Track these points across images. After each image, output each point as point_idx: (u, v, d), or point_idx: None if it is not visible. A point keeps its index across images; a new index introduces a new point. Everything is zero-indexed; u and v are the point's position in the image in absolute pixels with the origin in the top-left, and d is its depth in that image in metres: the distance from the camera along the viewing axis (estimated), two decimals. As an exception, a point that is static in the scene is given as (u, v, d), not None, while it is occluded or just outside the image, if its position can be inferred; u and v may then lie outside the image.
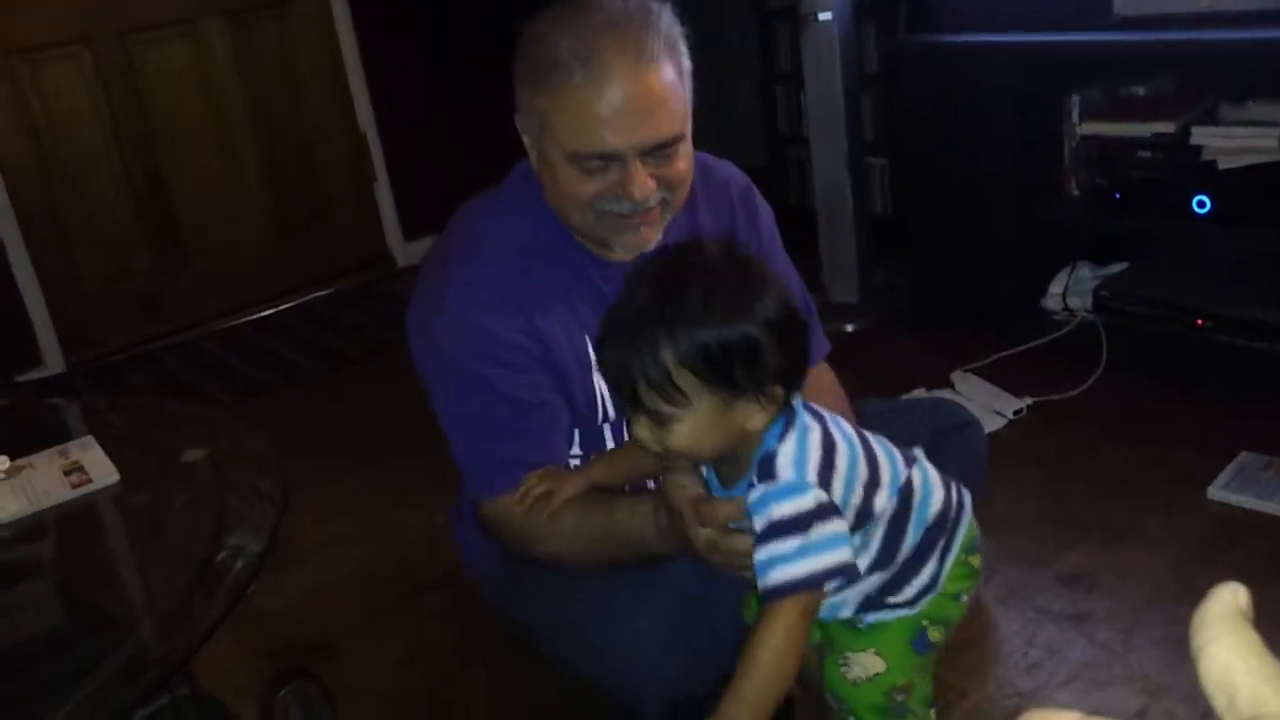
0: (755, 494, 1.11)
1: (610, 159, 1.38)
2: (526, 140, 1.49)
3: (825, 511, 1.10)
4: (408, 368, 1.63)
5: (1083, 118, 2.74)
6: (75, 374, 3.42)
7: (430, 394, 1.57)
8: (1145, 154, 2.59)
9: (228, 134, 3.71)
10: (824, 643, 1.33)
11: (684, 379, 1.07)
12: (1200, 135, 2.50)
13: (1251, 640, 0.36)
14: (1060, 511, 2.12)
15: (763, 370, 1.09)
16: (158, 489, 1.56)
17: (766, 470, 1.12)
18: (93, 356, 3.48)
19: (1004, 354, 2.70)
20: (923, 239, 3.01)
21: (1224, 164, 2.42)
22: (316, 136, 3.90)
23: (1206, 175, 2.46)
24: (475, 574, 1.77)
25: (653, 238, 1.47)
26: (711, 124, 3.91)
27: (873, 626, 1.27)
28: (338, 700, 1.79)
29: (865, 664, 1.27)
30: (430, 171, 3.91)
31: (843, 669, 1.28)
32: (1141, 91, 2.79)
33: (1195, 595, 1.39)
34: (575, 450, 1.62)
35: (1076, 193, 2.79)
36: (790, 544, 1.08)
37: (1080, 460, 2.29)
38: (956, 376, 2.62)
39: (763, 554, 1.09)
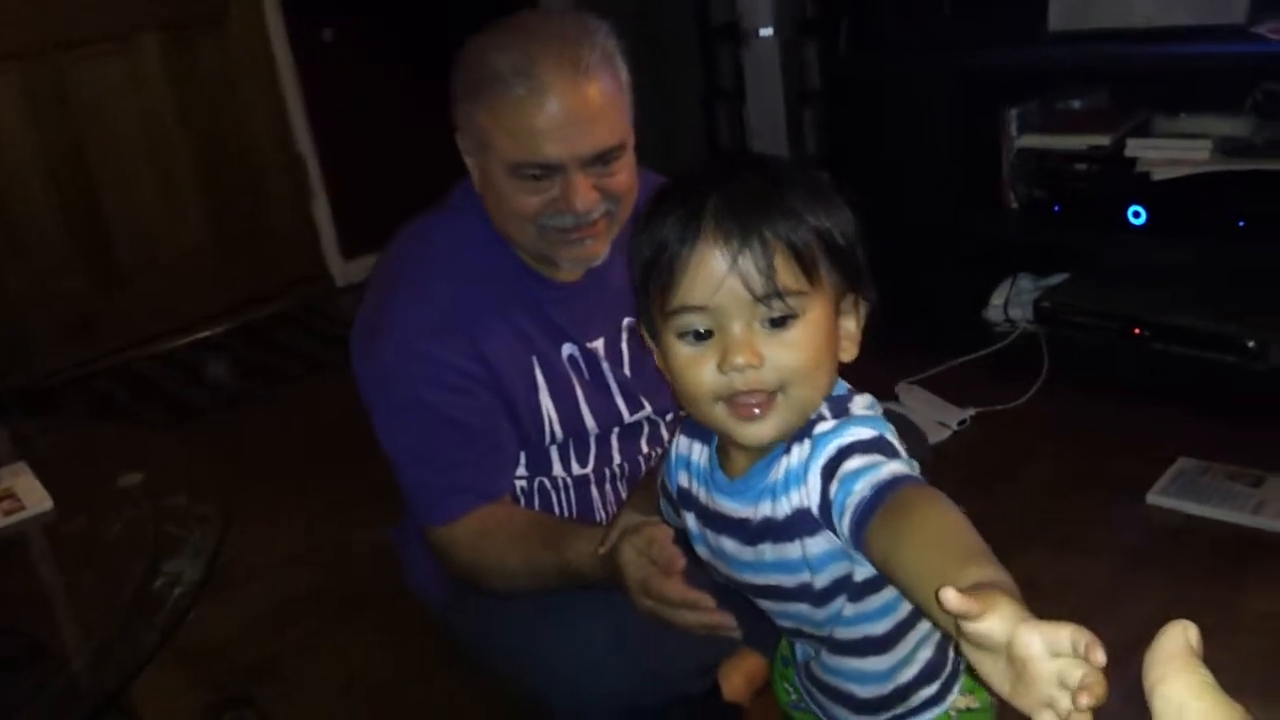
0: (827, 425, 0.93)
1: (551, 170, 1.38)
2: (468, 160, 1.49)
3: (906, 458, 0.91)
4: (347, 387, 1.60)
5: (1020, 131, 2.78)
6: (6, 397, 3.33)
7: (374, 420, 1.55)
8: (1081, 166, 2.63)
9: (163, 153, 3.64)
10: None
11: (819, 249, 0.92)
12: (1134, 147, 2.55)
13: (1204, 678, 0.37)
14: (1003, 520, 2.13)
15: (863, 268, 0.97)
16: (92, 515, 1.52)
17: (836, 406, 0.96)
18: (24, 379, 3.39)
19: (947, 365, 2.73)
20: (865, 253, 3.03)
21: (1157, 175, 2.47)
22: (253, 155, 3.85)
23: (1141, 186, 2.50)
24: (420, 593, 1.75)
25: (599, 251, 1.47)
26: (654, 141, 3.93)
27: None
28: (281, 726, 1.76)
29: None
30: (368, 190, 3.88)
31: None
32: (1077, 105, 2.84)
33: (1135, 599, 1.43)
34: (522, 471, 1.60)
35: (1016, 205, 2.83)
36: (878, 457, 0.89)
37: (1022, 469, 2.32)
38: (901, 389, 2.64)
39: (852, 465, 0.88)
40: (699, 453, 1.06)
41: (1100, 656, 0.57)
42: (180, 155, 3.68)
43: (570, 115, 1.34)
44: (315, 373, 3.33)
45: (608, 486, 1.65)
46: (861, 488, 0.85)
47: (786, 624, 1.06)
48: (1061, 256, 2.89)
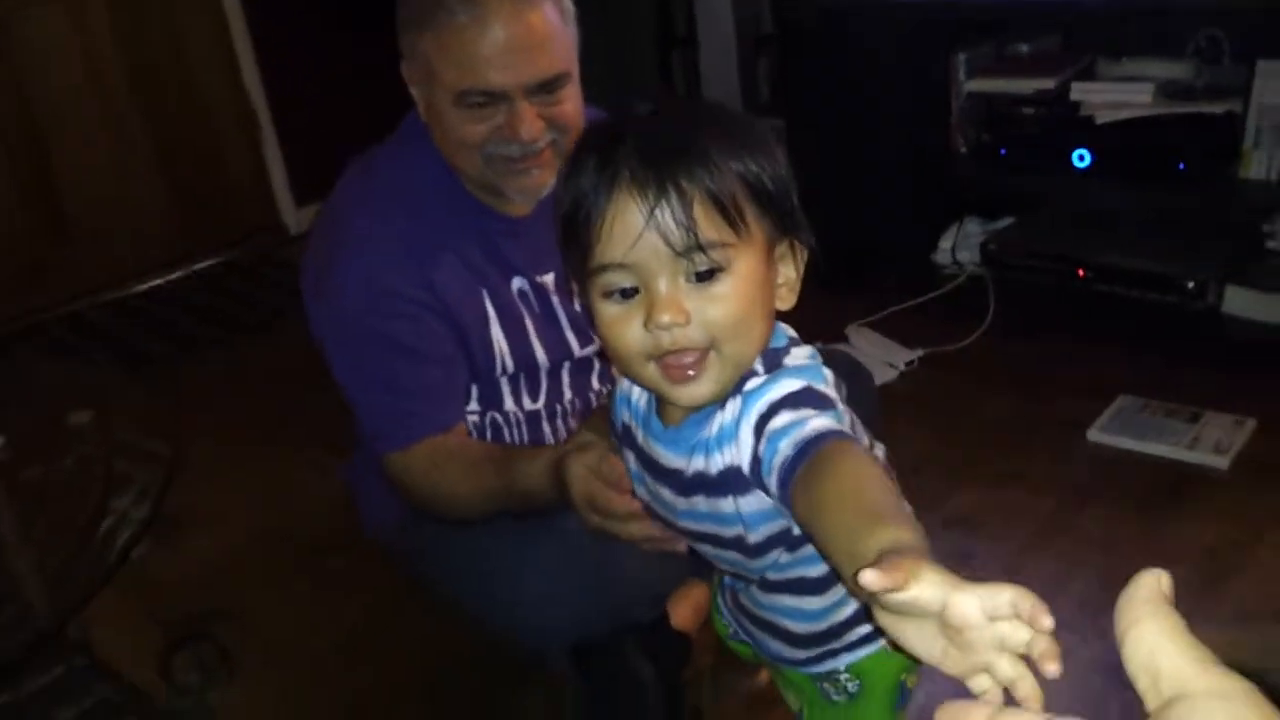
0: (757, 380, 0.90)
1: (496, 98, 1.39)
2: (414, 91, 1.49)
3: (837, 409, 0.89)
4: (302, 334, 1.61)
5: (969, 76, 2.80)
6: (-45, 347, 3.30)
7: (328, 354, 1.56)
8: (1028, 110, 2.66)
9: (110, 101, 3.58)
10: (799, 715, 1.16)
11: (744, 197, 0.86)
12: (1079, 91, 2.58)
13: (1175, 623, 0.38)
14: (948, 458, 2.18)
15: (797, 212, 0.92)
16: (43, 452, 1.53)
17: (771, 359, 0.93)
18: (-26, 330, 3.36)
19: (896, 309, 2.76)
20: (816, 198, 3.05)
21: (1101, 118, 2.50)
22: (203, 102, 3.79)
23: (1086, 130, 2.54)
24: (376, 530, 1.77)
25: (546, 181, 1.47)
26: (608, 89, 3.91)
27: (855, 697, 1.07)
28: (241, 664, 1.78)
29: None
30: (320, 136, 3.82)
31: None
32: (1025, 49, 2.87)
33: (1075, 531, 1.48)
34: (474, 406, 1.62)
35: (964, 150, 2.86)
36: (806, 411, 0.86)
37: (967, 408, 2.36)
38: (851, 331, 2.67)
39: (779, 422, 0.86)
40: (639, 394, 1.04)
41: (1048, 622, 0.53)
42: (128, 104, 3.62)
43: (514, 42, 1.35)
44: (269, 320, 3.32)
45: (559, 422, 1.67)
46: (785, 446, 0.83)
47: (724, 566, 1.07)
48: (1008, 200, 2.93)
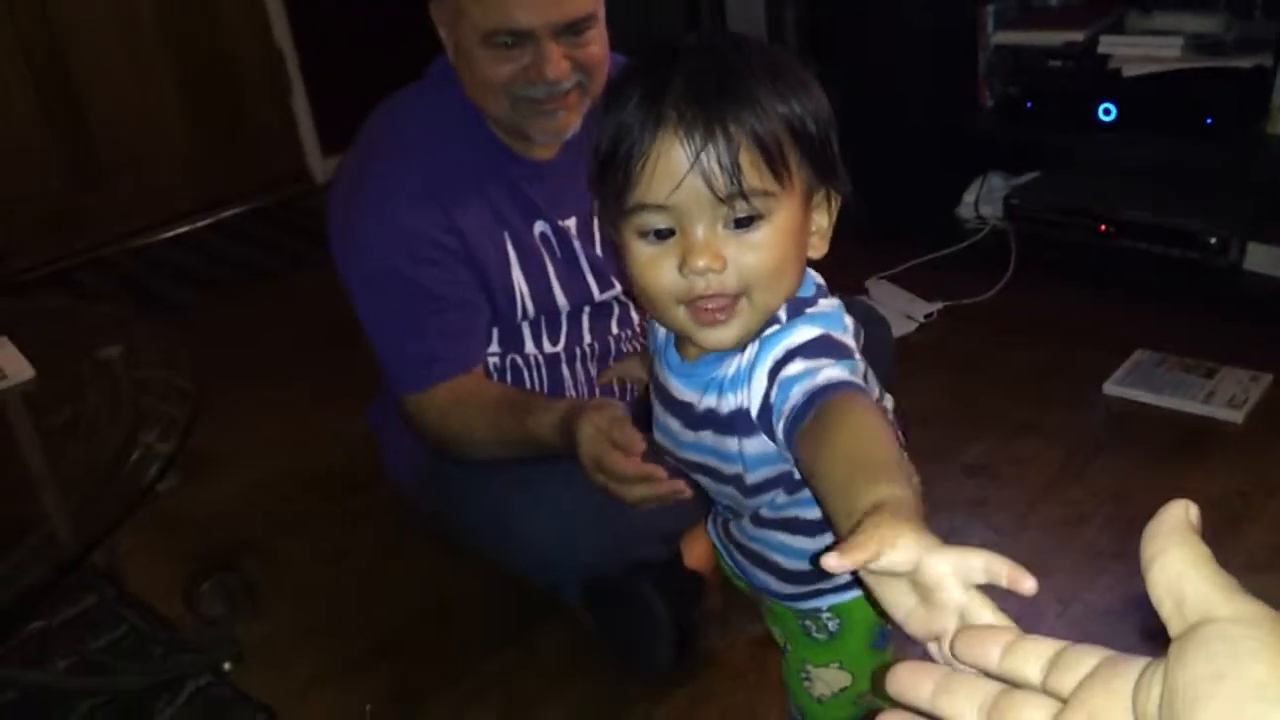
0: (775, 327, 0.90)
1: (522, 38, 1.40)
2: (442, 32, 1.51)
3: (853, 359, 0.89)
4: (329, 281, 1.64)
5: (996, 28, 2.78)
6: (-14, 291, 3.35)
7: (352, 295, 1.59)
8: (1055, 63, 2.65)
9: (141, 50, 3.60)
10: (785, 649, 1.17)
11: (789, 144, 0.85)
12: (1107, 44, 2.56)
13: (1201, 551, 0.38)
14: (965, 409, 2.20)
15: (837, 160, 0.91)
16: (73, 385, 1.56)
17: (794, 305, 0.92)
18: (2, 274, 3.41)
19: (918, 261, 2.76)
20: (840, 151, 3.05)
21: (1128, 71, 2.48)
22: (231, 50, 3.81)
23: (1113, 83, 2.52)
24: (397, 473, 1.81)
25: (571, 123, 1.49)
26: (634, 32, 3.90)
27: (835, 635, 1.09)
28: (265, 597, 1.82)
29: (830, 680, 1.12)
30: (348, 84, 3.82)
31: (806, 684, 1.13)
32: (1053, 2, 2.84)
33: (1086, 481, 1.49)
34: (494, 349, 1.65)
35: (991, 103, 2.84)
36: (822, 360, 0.86)
37: (986, 361, 2.37)
38: (871, 283, 2.68)
39: (792, 370, 0.86)
40: (661, 328, 1.03)
41: (1030, 584, 0.53)
42: (158, 52, 3.64)
43: None
44: (296, 268, 3.35)
45: (578, 365, 1.70)
46: (796, 393, 0.83)
47: (723, 500, 1.09)
48: (1034, 154, 2.91)
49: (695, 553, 1.71)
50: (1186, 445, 2.02)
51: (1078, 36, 2.61)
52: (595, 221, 1.64)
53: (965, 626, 0.49)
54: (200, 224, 3.75)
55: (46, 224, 3.49)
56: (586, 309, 1.67)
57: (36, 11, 3.38)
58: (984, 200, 2.86)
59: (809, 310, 0.92)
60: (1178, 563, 0.38)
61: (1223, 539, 1.78)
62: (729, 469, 0.99)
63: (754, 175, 0.83)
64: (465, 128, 1.55)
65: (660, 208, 0.84)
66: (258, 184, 3.89)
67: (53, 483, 1.52)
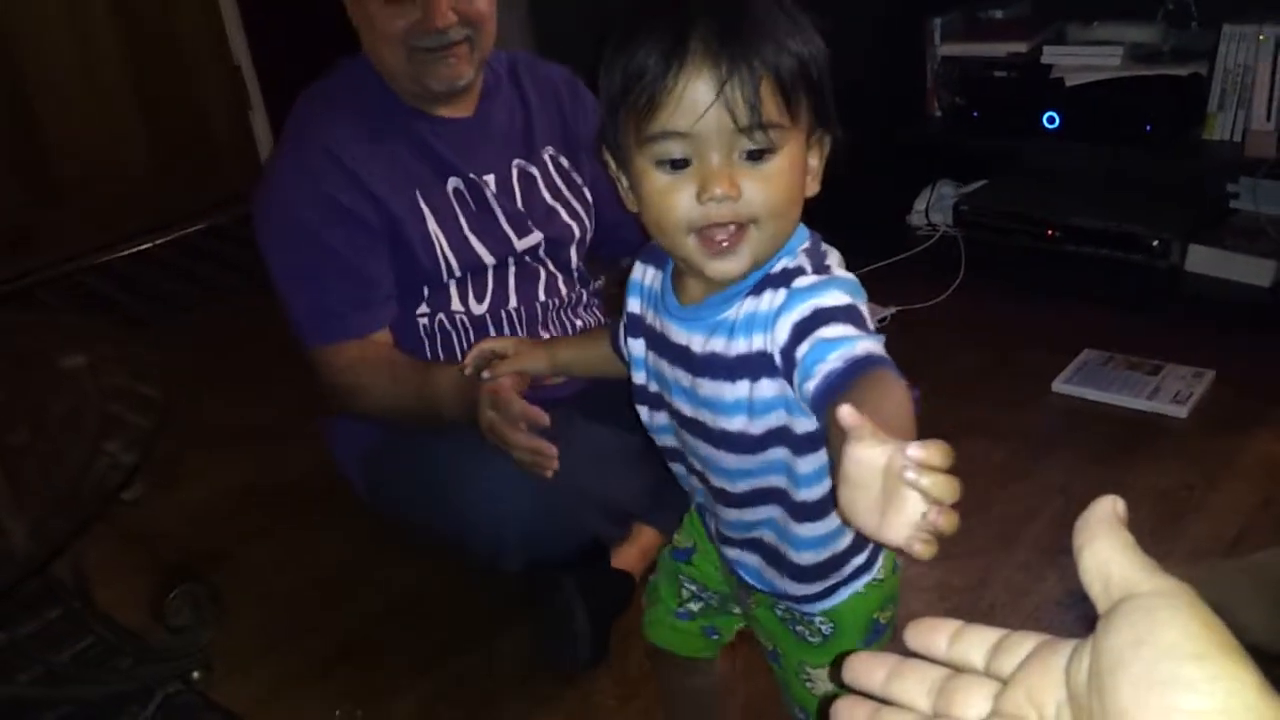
0: (807, 280, 0.91)
1: None
2: (349, 4, 1.63)
3: (880, 337, 0.89)
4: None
5: (943, 39, 2.85)
6: (-57, 310, 3.33)
7: (266, 254, 1.68)
8: (1001, 73, 2.71)
9: (98, 66, 3.60)
10: (775, 654, 1.16)
11: (800, 81, 0.90)
12: (1050, 54, 2.64)
13: (1126, 538, 0.42)
14: (916, 410, 2.24)
15: (831, 103, 0.96)
16: (37, 395, 1.57)
17: (817, 260, 0.94)
18: (-39, 292, 3.39)
19: (871, 268, 2.81)
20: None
21: (1071, 81, 2.56)
22: (190, 66, 3.82)
23: (1056, 92, 2.59)
24: (345, 465, 1.83)
25: (464, 72, 1.63)
26: (591, 55, 3.93)
27: (829, 638, 1.09)
28: (231, 605, 1.83)
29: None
30: (308, 101, 3.86)
31: (808, 685, 1.13)
32: (999, 14, 2.92)
33: (1036, 477, 1.54)
34: (423, 308, 1.70)
35: (939, 113, 2.91)
36: (858, 331, 0.87)
37: (936, 362, 2.42)
38: (826, 290, 2.73)
39: (829, 333, 0.86)
40: (652, 277, 1.06)
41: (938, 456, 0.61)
42: (115, 68, 3.65)
43: None
44: (256, 284, 3.34)
45: (505, 329, 1.74)
46: (835, 358, 0.83)
47: (695, 465, 1.05)
48: (981, 161, 2.99)
49: (627, 554, 1.73)
50: (1133, 441, 2.08)
51: (1021, 47, 2.69)
52: (514, 180, 1.74)
53: (916, 620, 0.53)
54: (159, 241, 3.74)
55: (3, 241, 3.47)
56: (512, 266, 1.73)
57: (-4, 35, 3.37)
58: (934, 207, 2.93)
59: (831, 265, 0.94)
60: (1105, 549, 0.42)
61: (1169, 529, 1.84)
62: (722, 423, 0.98)
63: (772, 108, 0.88)
64: (369, 94, 1.68)
65: (681, 135, 0.88)
66: (217, 200, 3.88)
67: (14, 494, 1.52)
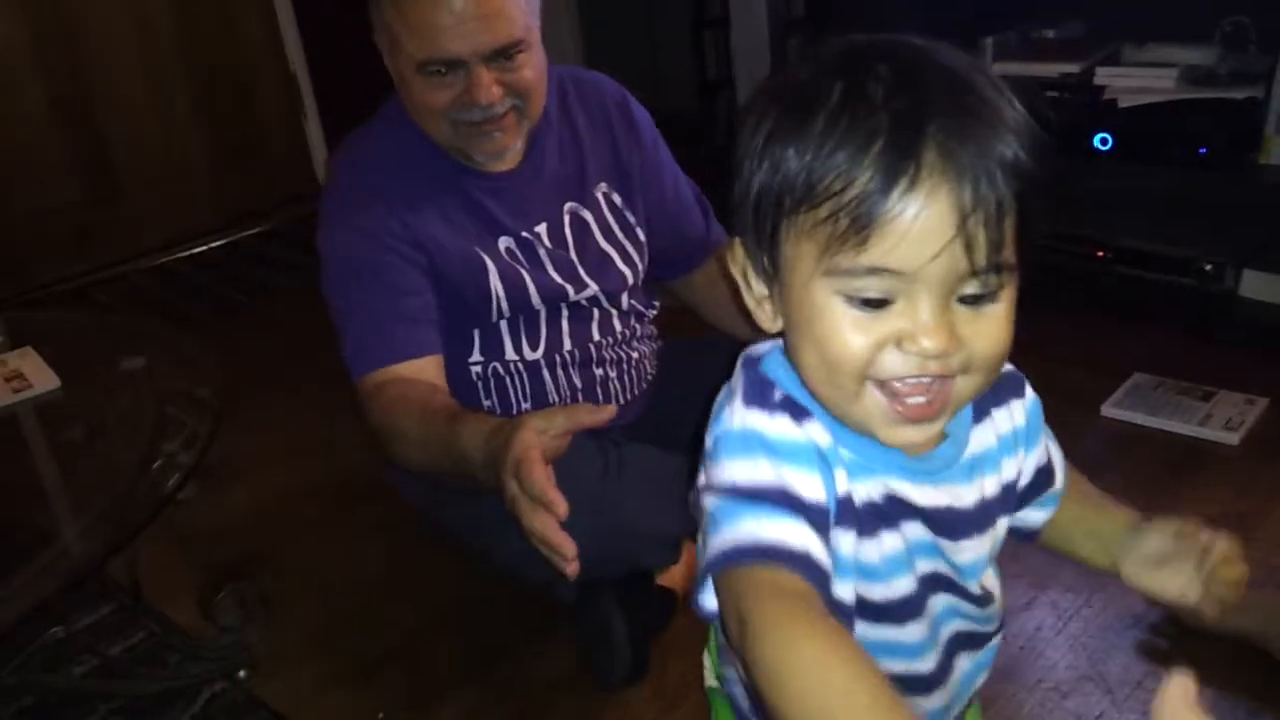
0: (1022, 389, 0.85)
1: (455, 66, 1.46)
2: (387, 61, 1.56)
3: None
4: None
5: (996, 59, 2.84)
6: (3, 307, 3.39)
7: (328, 303, 1.64)
8: (1053, 94, 2.70)
9: (158, 70, 3.68)
10: None
11: (1039, 205, 0.69)
12: (1103, 76, 2.62)
13: None
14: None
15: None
16: (96, 396, 1.61)
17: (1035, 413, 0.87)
18: (19, 290, 3.46)
19: (919, 286, 2.81)
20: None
21: (1124, 102, 2.54)
22: (247, 73, 3.89)
23: (1109, 114, 2.58)
24: (398, 480, 1.84)
25: (510, 144, 1.56)
26: (641, 67, 3.97)
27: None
28: (278, 604, 1.86)
29: None
30: (360, 109, 3.88)
31: None
32: (1052, 34, 2.90)
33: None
34: (476, 357, 1.67)
35: (990, 132, 2.89)
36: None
37: (985, 383, 2.41)
38: (873, 307, 2.72)
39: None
40: (844, 438, 0.75)
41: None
42: (175, 72, 3.72)
43: (469, 11, 1.42)
44: (309, 287, 3.39)
45: (560, 372, 1.71)
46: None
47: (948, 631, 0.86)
48: (1032, 182, 2.96)
49: (672, 571, 1.71)
50: (1183, 467, 2.06)
51: (1074, 68, 2.67)
52: (566, 227, 1.68)
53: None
54: (216, 243, 3.80)
55: (63, 241, 3.55)
56: (564, 309, 1.69)
57: (56, 31, 3.45)
58: (984, 227, 2.91)
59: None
60: None
61: (1216, 557, 1.81)
62: (983, 578, 0.85)
63: (1010, 243, 0.67)
64: (416, 148, 1.61)
65: (894, 273, 0.66)
66: (272, 205, 3.95)
67: (72, 494, 1.56)
